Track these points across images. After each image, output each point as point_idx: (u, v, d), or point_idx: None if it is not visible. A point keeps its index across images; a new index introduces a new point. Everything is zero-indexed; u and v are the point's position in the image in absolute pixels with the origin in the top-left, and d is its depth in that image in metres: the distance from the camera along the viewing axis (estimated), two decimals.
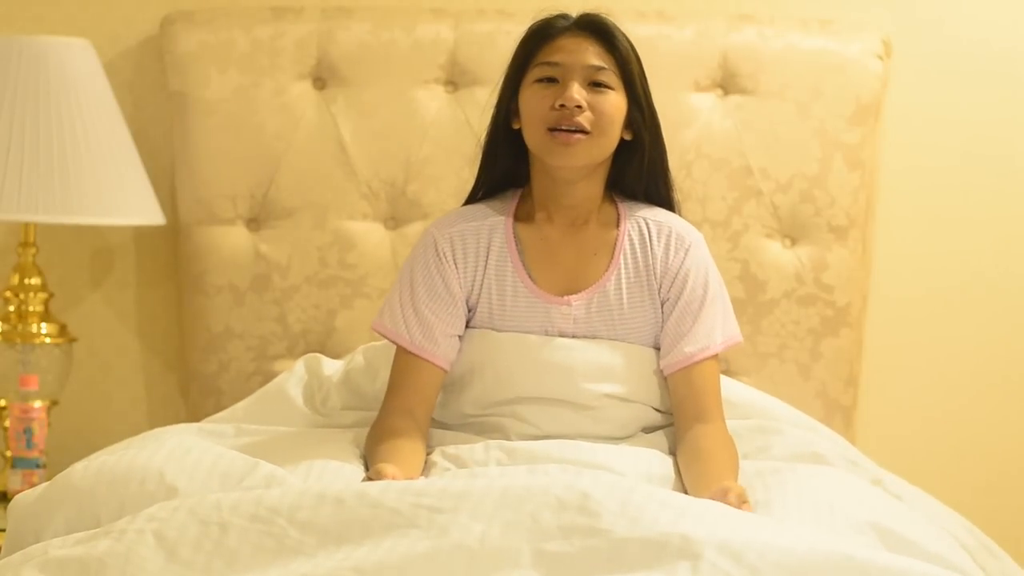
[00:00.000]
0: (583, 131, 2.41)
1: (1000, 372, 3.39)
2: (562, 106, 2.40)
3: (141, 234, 3.35)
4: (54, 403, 3.16)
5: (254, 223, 3.24)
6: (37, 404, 3.06)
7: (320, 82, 3.25)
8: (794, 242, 3.24)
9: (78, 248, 3.35)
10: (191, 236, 3.23)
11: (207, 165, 3.21)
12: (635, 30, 3.20)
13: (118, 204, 3.07)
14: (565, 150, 2.42)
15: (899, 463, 3.24)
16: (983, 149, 3.37)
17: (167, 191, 3.28)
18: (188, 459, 2.25)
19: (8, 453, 3.06)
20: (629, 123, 2.48)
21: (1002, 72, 3.36)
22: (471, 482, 2.03)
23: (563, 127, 2.41)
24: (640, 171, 2.52)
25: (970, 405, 3.39)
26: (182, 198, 3.24)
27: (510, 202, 2.56)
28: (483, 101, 3.20)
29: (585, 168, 2.47)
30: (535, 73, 2.46)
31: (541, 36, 2.47)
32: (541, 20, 2.49)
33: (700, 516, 1.93)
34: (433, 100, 3.24)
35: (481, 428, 2.51)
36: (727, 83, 3.24)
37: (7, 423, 3.08)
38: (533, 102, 2.44)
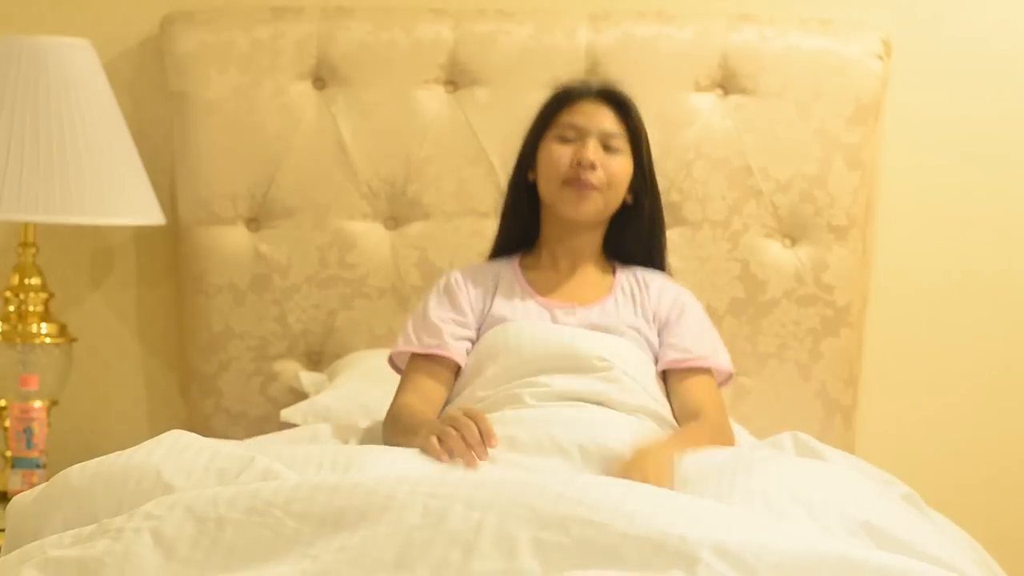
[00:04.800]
0: (595, 188, 2.63)
1: (1000, 371, 3.39)
2: (579, 163, 2.61)
3: (141, 234, 3.35)
4: (54, 403, 3.16)
5: (254, 223, 3.25)
6: (37, 404, 3.06)
7: (320, 82, 3.25)
8: (794, 242, 3.24)
9: (78, 248, 3.35)
10: (191, 236, 3.23)
11: (207, 165, 3.21)
12: (635, 30, 3.23)
13: (118, 204, 3.07)
14: (578, 202, 2.63)
15: (899, 463, 3.24)
16: (983, 149, 3.36)
17: (167, 191, 3.28)
18: (184, 456, 2.25)
19: (8, 453, 3.06)
20: (632, 187, 2.68)
21: (1002, 72, 3.36)
22: (469, 472, 2.03)
23: (580, 182, 2.62)
24: (638, 235, 2.73)
25: (970, 405, 3.39)
26: (182, 198, 3.24)
27: (517, 254, 2.76)
28: (483, 101, 3.22)
29: (591, 221, 2.67)
30: (555, 132, 2.67)
31: (563, 99, 2.70)
32: (565, 85, 2.73)
33: (697, 517, 1.93)
34: (433, 100, 3.24)
35: (495, 404, 2.56)
36: (727, 83, 3.24)
37: (7, 423, 3.08)
38: (552, 157, 2.65)
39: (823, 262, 3.22)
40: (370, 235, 3.24)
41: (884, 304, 3.37)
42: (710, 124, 3.23)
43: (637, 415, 2.52)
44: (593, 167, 2.61)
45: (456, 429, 2.27)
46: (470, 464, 2.23)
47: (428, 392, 2.59)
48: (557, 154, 2.64)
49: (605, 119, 2.65)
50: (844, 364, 3.24)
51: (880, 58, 3.24)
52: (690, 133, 3.22)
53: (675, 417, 2.59)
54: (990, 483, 3.39)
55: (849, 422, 3.26)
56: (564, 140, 2.65)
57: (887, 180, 3.35)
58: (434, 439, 2.28)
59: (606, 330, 2.63)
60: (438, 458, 2.26)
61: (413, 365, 2.63)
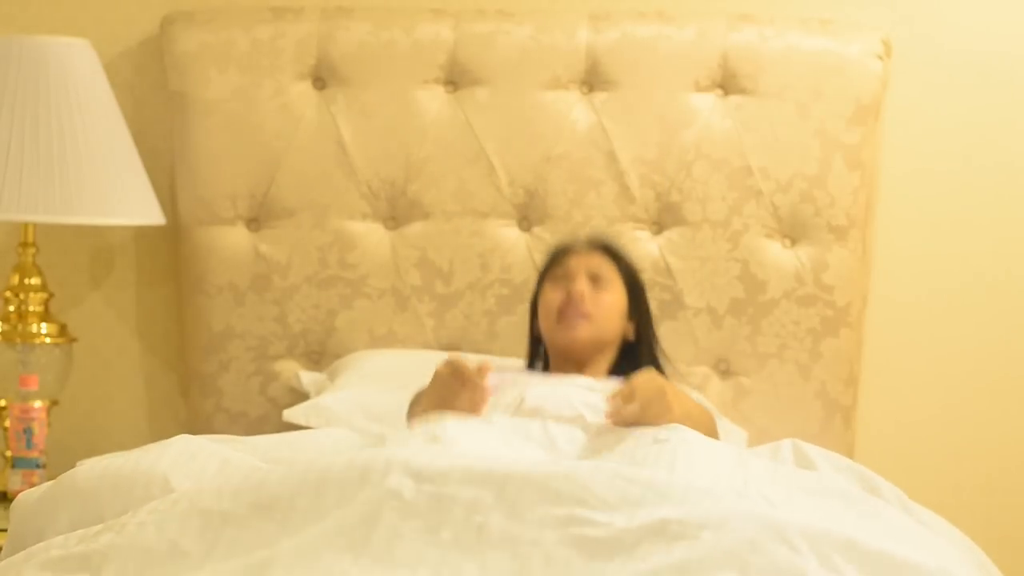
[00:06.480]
0: (586, 316, 2.82)
1: (1000, 372, 3.39)
2: (568, 296, 2.83)
3: (141, 234, 3.35)
4: (54, 403, 3.16)
5: (254, 223, 3.25)
6: (37, 404, 3.06)
7: (320, 82, 3.25)
8: (794, 242, 3.24)
9: (78, 248, 3.35)
10: (191, 236, 3.23)
11: (207, 165, 3.21)
12: (635, 30, 3.23)
13: (118, 204, 3.07)
14: (568, 331, 2.82)
15: (898, 463, 3.24)
16: (983, 149, 3.37)
17: (167, 191, 3.28)
18: (193, 464, 2.25)
19: (8, 453, 3.06)
20: (633, 321, 2.90)
21: (1002, 72, 3.36)
22: (472, 466, 2.06)
23: (569, 312, 2.82)
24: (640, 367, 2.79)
25: (970, 405, 3.39)
26: (182, 198, 3.24)
27: None
28: (483, 101, 3.22)
29: (587, 351, 2.83)
30: (550, 281, 2.91)
31: (558, 252, 2.96)
32: (558, 243, 3.01)
33: (701, 498, 1.97)
34: (433, 100, 3.24)
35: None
36: (727, 83, 3.25)
37: (7, 423, 3.07)
38: (546, 300, 2.88)
39: (823, 262, 3.22)
40: (370, 235, 3.24)
41: (884, 304, 3.37)
42: (710, 124, 3.23)
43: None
44: (582, 297, 2.82)
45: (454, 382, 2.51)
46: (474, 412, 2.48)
47: None
48: (550, 297, 2.87)
49: (593, 261, 2.89)
50: (844, 364, 3.24)
51: (880, 58, 3.24)
52: (690, 133, 3.22)
53: None
54: (989, 483, 3.39)
55: (849, 422, 3.26)
56: (556, 285, 2.88)
57: (887, 180, 3.35)
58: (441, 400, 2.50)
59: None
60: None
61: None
